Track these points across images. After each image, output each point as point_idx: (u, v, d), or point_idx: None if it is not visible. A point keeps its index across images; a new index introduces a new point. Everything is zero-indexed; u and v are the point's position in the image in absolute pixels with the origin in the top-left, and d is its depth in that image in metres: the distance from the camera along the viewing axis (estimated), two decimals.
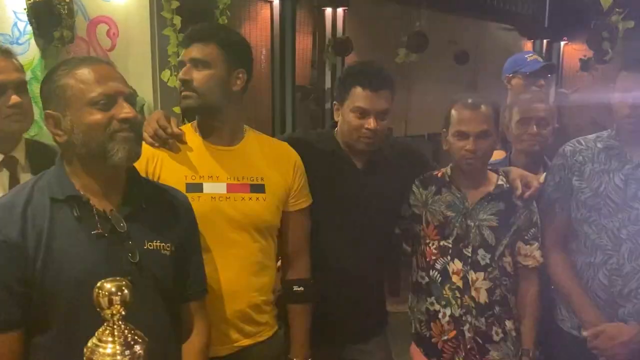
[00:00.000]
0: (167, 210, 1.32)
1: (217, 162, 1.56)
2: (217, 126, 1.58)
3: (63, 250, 1.15)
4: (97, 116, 1.16)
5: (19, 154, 1.54)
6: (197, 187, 1.52)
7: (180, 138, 1.56)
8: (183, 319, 1.36)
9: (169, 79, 3.01)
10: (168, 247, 1.27)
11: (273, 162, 1.63)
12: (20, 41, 3.09)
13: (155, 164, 1.52)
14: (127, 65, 3.23)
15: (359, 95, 1.72)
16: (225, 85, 1.53)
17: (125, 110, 1.18)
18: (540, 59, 2.67)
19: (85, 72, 1.18)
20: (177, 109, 2.56)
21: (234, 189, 1.55)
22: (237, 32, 1.71)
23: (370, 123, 1.71)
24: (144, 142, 1.38)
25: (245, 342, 1.60)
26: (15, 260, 1.12)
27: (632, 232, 1.71)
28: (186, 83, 1.52)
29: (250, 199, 1.56)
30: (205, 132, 1.59)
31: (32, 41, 3.08)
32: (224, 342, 1.56)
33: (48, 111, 1.19)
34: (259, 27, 4.86)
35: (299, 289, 1.69)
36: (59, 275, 1.14)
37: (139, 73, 3.22)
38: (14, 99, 1.47)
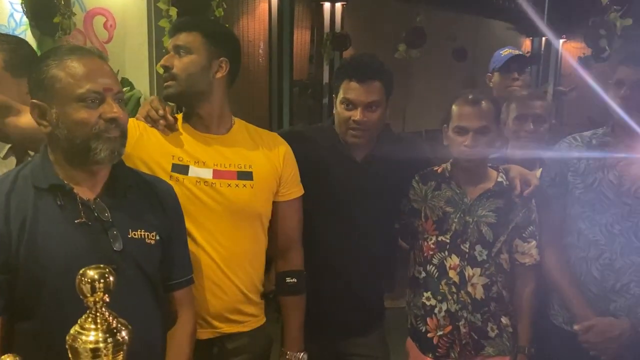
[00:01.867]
0: (152, 200, 1.31)
1: (205, 149, 1.56)
2: (201, 114, 1.57)
3: (46, 238, 1.15)
4: (84, 114, 1.15)
5: None
6: (183, 169, 1.51)
7: (170, 122, 1.56)
8: (168, 308, 1.35)
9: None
10: (152, 236, 1.27)
11: (262, 150, 1.62)
12: (16, 32, 3.07)
13: (148, 135, 1.53)
14: (123, 57, 3.21)
15: (347, 87, 1.72)
16: (206, 72, 1.53)
17: (113, 110, 1.17)
18: (514, 52, 2.64)
19: (75, 66, 1.16)
20: None
21: (220, 175, 1.54)
22: (224, 25, 1.71)
23: (357, 114, 1.71)
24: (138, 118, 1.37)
25: (228, 329, 1.59)
26: None
27: (625, 227, 1.71)
28: (167, 70, 1.53)
29: (237, 185, 1.55)
30: (192, 120, 1.59)
31: (29, 32, 3.07)
32: (206, 327, 1.55)
33: (34, 100, 1.18)
34: (257, 21, 4.85)
35: (291, 280, 1.68)
36: (42, 263, 1.14)
37: (135, 65, 3.21)
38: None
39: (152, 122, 1.55)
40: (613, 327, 1.71)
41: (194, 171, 1.52)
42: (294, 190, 1.68)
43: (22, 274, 1.13)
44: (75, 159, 1.19)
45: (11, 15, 3.07)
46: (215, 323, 1.57)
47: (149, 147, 1.51)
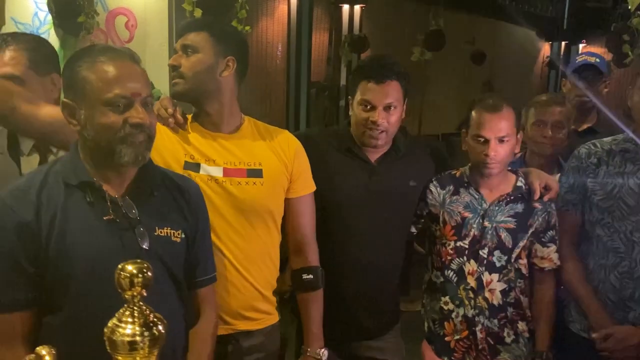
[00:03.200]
0: (178, 198, 1.33)
1: (214, 148, 1.57)
2: (210, 112, 1.58)
3: (75, 234, 1.16)
4: (111, 118, 1.16)
5: None
6: (195, 167, 1.53)
7: (179, 121, 1.57)
8: (191, 305, 1.37)
9: None
10: (178, 234, 1.28)
11: (272, 147, 1.63)
12: (40, 31, 3.12)
13: (161, 134, 1.52)
14: (144, 57, 3.23)
15: (364, 88, 1.72)
16: (213, 70, 1.54)
17: (139, 116, 1.18)
18: (589, 60, 2.45)
19: (105, 69, 1.17)
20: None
21: (231, 174, 1.55)
22: (232, 25, 1.72)
23: (376, 116, 1.71)
24: None
25: (243, 326, 1.60)
26: (28, 241, 1.14)
27: None
28: (174, 69, 1.55)
29: (247, 183, 1.55)
30: (201, 119, 1.60)
31: (52, 31, 3.12)
32: (221, 324, 1.54)
33: (65, 100, 1.20)
34: (276, 23, 4.88)
35: (308, 276, 1.68)
36: (71, 259, 1.15)
37: (156, 65, 3.24)
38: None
39: (161, 120, 1.56)
40: (631, 336, 1.70)
41: (205, 169, 1.53)
42: (305, 186, 1.68)
43: (50, 268, 1.15)
44: (101, 160, 1.21)
45: (35, 14, 3.12)
46: (230, 320, 1.58)
47: (161, 146, 1.52)
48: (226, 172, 1.54)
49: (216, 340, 1.44)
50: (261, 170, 1.58)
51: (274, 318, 1.68)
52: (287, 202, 1.65)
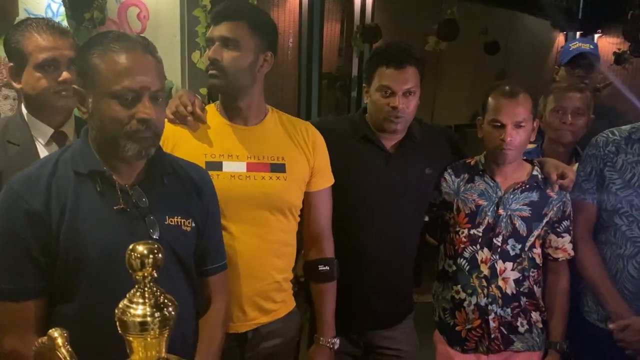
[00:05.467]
0: (188, 186, 1.31)
1: (238, 142, 1.56)
2: (241, 107, 1.57)
3: (86, 224, 1.16)
4: (117, 112, 1.14)
5: (69, 129, 1.59)
6: (216, 166, 1.52)
7: (200, 119, 1.56)
8: (203, 293, 1.36)
9: (198, 61, 3.03)
10: (189, 222, 1.27)
11: (295, 141, 1.62)
12: None
13: (176, 141, 1.53)
14: (156, 48, 3.26)
15: (383, 74, 1.71)
16: (253, 67, 1.53)
17: (146, 111, 1.14)
18: (583, 47, 2.43)
19: (116, 59, 1.14)
20: (204, 91, 2.57)
21: (254, 168, 1.55)
22: (265, 11, 1.70)
23: (396, 101, 1.70)
24: (166, 120, 1.36)
25: (264, 319, 1.61)
26: (39, 229, 1.13)
27: None
28: (215, 62, 1.51)
29: (270, 178, 1.56)
30: (228, 112, 1.59)
31: (65, 23, 3.13)
32: (243, 319, 1.57)
33: (75, 86, 1.19)
34: (287, 13, 4.85)
35: (324, 268, 1.69)
36: (81, 249, 1.15)
37: (168, 55, 3.25)
38: (65, 75, 1.51)
39: (180, 118, 1.55)
40: None
41: (228, 166, 1.53)
42: (325, 179, 1.68)
43: (61, 258, 1.15)
44: (108, 150, 1.20)
45: (48, 6, 3.13)
46: (251, 313, 1.58)
47: (181, 152, 1.50)
48: (250, 167, 1.55)
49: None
50: (284, 165, 1.58)
51: (291, 305, 1.69)
52: (306, 195, 1.65)
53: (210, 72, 1.53)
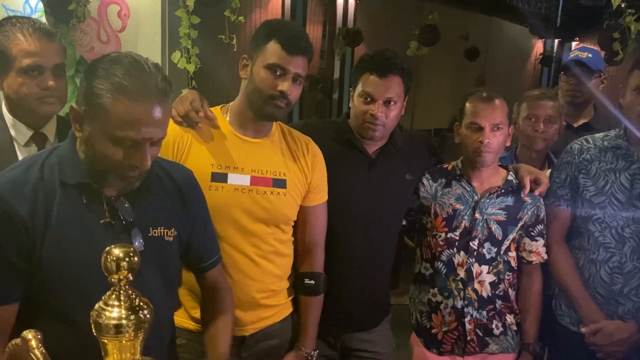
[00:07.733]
0: (172, 193, 1.30)
1: (244, 154, 1.57)
2: (260, 123, 1.58)
3: (70, 234, 1.13)
4: (113, 154, 1.09)
5: (49, 130, 1.55)
6: (222, 177, 1.53)
7: (212, 122, 1.56)
8: (205, 287, 1.42)
9: (179, 61, 3.00)
10: (171, 232, 1.27)
11: (295, 157, 1.64)
12: None
13: (185, 146, 1.52)
14: (136, 46, 3.22)
15: (366, 81, 1.72)
16: None
17: (142, 163, 1.11)
18: (581, 55, 2.43)
19: (127, 108, 1.05)
20: (185, 91, 2.55)
21: (257, 182, 1.56)
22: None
23: (375, 109, 1.71)
24: (171, 121, 1.34)
25: (260, 324, 1.64)
26: (21, 237, 1.10)
27: (635, 231, 1.71)
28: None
29: (272, 193, 1.57)
30: (243, 125, 1.59)
31: (44, 19, 3.08)
32: (240, 324, 1.59)
33: (74, 106, 1.13)
34: (270, 14, 4.85)
35: (310, 282, 1.70)
36: (65, 260, 1.13)
37: (148, 54, 3.16)
38: (50, 83, 1.47)
39: (190, 122, 1.53)
40: (621, 331, 1.71)
41: (232, 178, 1.54)
42: (321, 195, 1.70)
43: (43, 268, 1.12)
44: (94, 168, 1.16)
45: (26, 1, 3.08)
46: (247, 319, 1.61)
47: (187, 158, 1.51)
48: (253, 181, 1.56)
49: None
50: (285, 180, 1.60)
51: (288, 309, 1.72)
52: (302, 209, 1.67)
53: (279, 103, 1.50)
